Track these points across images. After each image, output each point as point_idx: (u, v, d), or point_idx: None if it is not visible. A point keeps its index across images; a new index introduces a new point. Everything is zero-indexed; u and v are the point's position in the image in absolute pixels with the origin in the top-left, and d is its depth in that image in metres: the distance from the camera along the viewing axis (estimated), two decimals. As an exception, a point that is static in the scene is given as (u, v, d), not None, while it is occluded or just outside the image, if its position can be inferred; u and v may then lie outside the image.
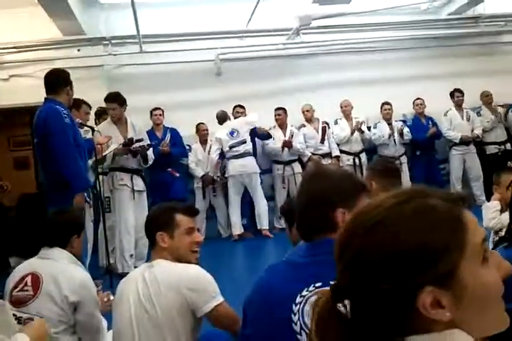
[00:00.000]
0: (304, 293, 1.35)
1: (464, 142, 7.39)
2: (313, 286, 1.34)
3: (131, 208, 5.21)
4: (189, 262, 2.19)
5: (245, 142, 6.84)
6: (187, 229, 2.23)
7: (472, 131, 7.42)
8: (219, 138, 6.86)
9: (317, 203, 1.46)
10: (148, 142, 5.59)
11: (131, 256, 5.08)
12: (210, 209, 7.16)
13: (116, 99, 5.34)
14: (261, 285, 1.49)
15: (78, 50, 7.15)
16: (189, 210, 2.31)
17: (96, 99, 5.59)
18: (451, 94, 7.53)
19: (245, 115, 7.07)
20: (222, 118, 6.96)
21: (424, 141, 7.40)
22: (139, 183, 5.41)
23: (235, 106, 7.10)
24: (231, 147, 6.77)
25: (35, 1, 5.83)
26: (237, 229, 6.85)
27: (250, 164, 6.83)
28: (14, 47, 6.92)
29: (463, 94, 7.47)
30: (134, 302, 2.07)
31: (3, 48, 6.82)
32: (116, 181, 5.26)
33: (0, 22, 6.71)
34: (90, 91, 5.70)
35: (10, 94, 6.26)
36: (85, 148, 4.20)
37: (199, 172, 7.00)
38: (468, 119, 7.48)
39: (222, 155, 6.92)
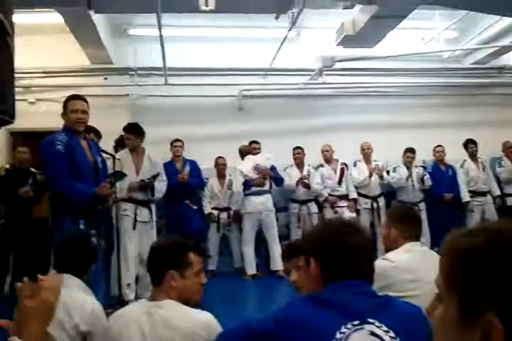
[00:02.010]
0: (343, 329, 1.39)
1: (482, 192, 7.34)
2: (351, 324, 1.40)
3: (132, 238, 5.13)
4: (193, 303, 2.10)
5: (266, 179, 6.84)
6: (198, 270, 2.14)
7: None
8: (242, 171, 6.81)
9: None
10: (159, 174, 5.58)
11: (129, 285, 4.99)
12: (223, 244, 7.09)
13: (132, 131, 5.41)
14: (287, 320, 1.46)
15: (105, 79, 7.29)
16: (200, 250, 2.22)
17: (119, 127, 5.63)
18: (465, 145, 7.47)
19: (260, 151, 7.08)
20: (245, 152, 6.94)
21: (444, 192, 7.31)
22: (144, 214, 5.38)
23: (251, 142, 7.07)
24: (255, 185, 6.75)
25: (66, 29, 5.98)
26: (251, 269, 6.72)
27: (268, 202, 6.78)
28: (43, 72, 7.07)
29: (476, 144, 7.42)
30: None
31: (33, 73, 6.94)
32: (120, 211, 5.20)
33: (32, 47, 6.85)
34: (114, 120, 5.77)
35: (34, 117, 6.35)
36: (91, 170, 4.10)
37: (207, 209, 6.97)
38: (483, 170, 7.43)
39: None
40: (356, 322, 1.40)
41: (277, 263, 6.66)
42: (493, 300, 0.75)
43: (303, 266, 1.68)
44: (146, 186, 5.39)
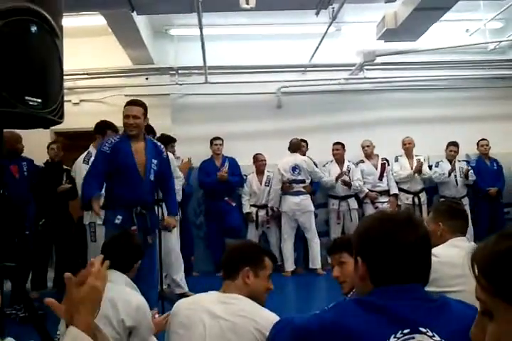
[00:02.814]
0: (392, 339, 1.30)
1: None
2: (401, 333, 1.30)
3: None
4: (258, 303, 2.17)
5: (304, 182, 6.81)
6: (270, 274, 2.24)
7: None
8: (279, 169, 6.83)
9: None
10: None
11: None
12: (262, 241, 7.12)
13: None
14: (332, 323, 1.36)
15: (146, 79, 7.41)
16: (273, 258, 2.33)
17: (161, 126, 5.74)
18: None
19: (307, 149, 7.09)
20: (295, 146, 6.91)
21: (488, 186, 7.14)
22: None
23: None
24: (289, 182, 6.75)
25: (108, 31, 6.10)
26: (290, 266, 6.77)
27: (304, 202, 6.77)
28: (86, 74, 7.25)
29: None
30: (210, 329, 2.00)
31: (77, 74, 7.12)
32: None
33: (75, 49, 7.00)
34: (155, 119, 5.81)
35: (79, 117, 6.47)
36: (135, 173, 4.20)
37: (246, 208, 7.02)
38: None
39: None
40: (406, 331, 1.30)
41: (316, 262, 6.69)
42: None
43: (349, 262, 1.54)
44: None
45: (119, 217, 4.10)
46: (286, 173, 6.78)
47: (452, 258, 2.57)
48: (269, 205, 6.98)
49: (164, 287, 5.06)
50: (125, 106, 4.21)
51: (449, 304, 1.42)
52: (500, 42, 7.70)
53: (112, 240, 2.86)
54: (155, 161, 4.28)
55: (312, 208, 6.83)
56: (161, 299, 4.59)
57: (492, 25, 7.43)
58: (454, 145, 7.17)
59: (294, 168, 6.79)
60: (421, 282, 1.44)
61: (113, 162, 4.12)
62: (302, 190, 6.79)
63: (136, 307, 2.46)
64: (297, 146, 6.90)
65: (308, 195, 6.83)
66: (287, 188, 6.77)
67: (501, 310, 0.73)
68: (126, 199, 4.12)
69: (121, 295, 2.47)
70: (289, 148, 6.93)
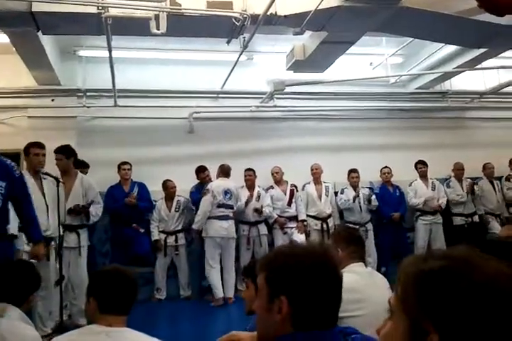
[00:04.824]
0: None
1: (431, 212, 7.51)
2: None
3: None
4: None
5: (233, 208, 6.78)
6: None
7: (438, 200, 7.57)
8: (212, 191, 6.65)
9: None
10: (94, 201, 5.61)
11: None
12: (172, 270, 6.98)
13: (62, 152, 5.33)
14: None
15: (52, 100, 7.11)
16: None
17: (66, 149, 5.52)
18: (415, 165, 7.74)
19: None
20: (227, 171, 6.88)
21: (392, 212, 7.45)
22: (71, 239, 5.26)
23: (203, 168, 7.10)
24: (218, 206, 6.66)
25: (12, 49, 5.85)
26: (220, 292, 6.52)
27: (232, 228, 6.72)
28: (-13, 93, 6.88)
29: (425, 165, 7.69)
30: None
31: (-23, 93, 6.77)
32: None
33: (-25, 68, 6.70)
34: (61, 141, 5.63)
35: (-23, 138, 6.16)
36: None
37: (154, 235, 6.81)
38: (433, 189, 7.64)
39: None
40: None
41: (230, 291, 6.57)
42: (439, 322, 0.79)
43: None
44: (81, 211, 5.36)
45: None
46: (219, 196, 6.69)
47: (351, 284, 2.64)
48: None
49: (65, 318, 4.81)
50: None
51: None
52: (401, 76, 8.18)
53: (3, 270, 2.68)
54: (2, 184, 3.76)
55: (235, 235, 6.80)
56: (60, 330, 4.35)
57: (393, 60, 7.91)
58: (354, 172, 7.46)
59: (226, 192, 6.71)
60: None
61: None
62: (230, 215, 6.74)
63: (30, 341, 2.33)
64: (228, 171, 6.89)
65: (233, 221, 6.80)
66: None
67: (399, 316, 0.85)
68: None
69: (13, 330, 2.32)
70: (220, 173, 6.89)
